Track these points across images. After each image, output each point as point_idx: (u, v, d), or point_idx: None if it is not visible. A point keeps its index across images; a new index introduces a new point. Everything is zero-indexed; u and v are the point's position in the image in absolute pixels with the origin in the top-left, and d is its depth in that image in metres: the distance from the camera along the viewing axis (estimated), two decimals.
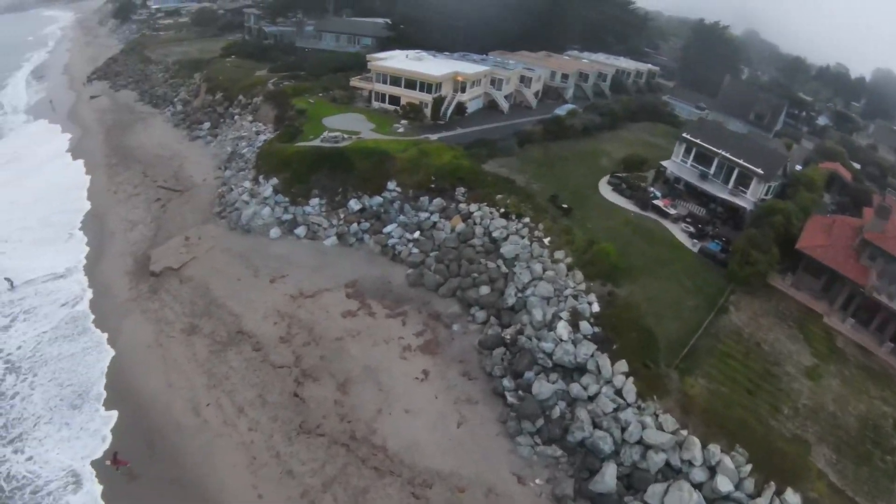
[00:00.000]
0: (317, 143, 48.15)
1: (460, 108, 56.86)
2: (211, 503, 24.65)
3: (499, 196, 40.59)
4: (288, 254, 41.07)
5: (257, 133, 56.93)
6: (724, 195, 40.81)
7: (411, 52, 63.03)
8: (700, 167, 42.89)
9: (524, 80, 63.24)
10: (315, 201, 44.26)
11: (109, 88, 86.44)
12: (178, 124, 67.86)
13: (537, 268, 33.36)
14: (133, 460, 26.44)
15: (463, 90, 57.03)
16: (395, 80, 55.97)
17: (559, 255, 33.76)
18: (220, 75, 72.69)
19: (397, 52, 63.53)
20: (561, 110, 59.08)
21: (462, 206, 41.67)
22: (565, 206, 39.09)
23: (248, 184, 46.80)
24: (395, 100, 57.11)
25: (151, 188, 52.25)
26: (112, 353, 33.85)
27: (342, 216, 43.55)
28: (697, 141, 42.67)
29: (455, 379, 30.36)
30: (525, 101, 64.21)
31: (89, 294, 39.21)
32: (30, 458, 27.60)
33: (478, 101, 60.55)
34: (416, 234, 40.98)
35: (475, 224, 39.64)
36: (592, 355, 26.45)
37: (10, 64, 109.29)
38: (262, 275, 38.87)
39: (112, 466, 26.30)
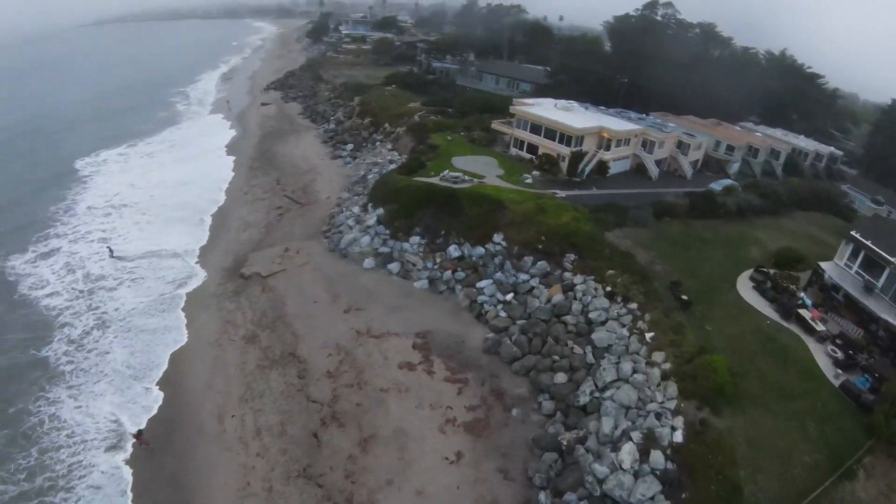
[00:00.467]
0: (435, 180, 50.69)
1: (602, 167, 55.09)
2: None
3: (610, 272, 37.52)
4: (374, 287, 43.25)
5: (390, 162, 62.19)
6: (892, 318, 31.90)
7: (561, 102, 63.71)
8: (866, 276, 34.38)
9: (681, 146, 59.12)
10: (415, 239, 46.21)
11: (280, 99, 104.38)
12: (326, 141, 78.22)
13: (626, 367, 29.49)
14: (153, 444, 29.84)
15: (608, 148, 55.39)
16: (536, 128, 56.86)
17: (658, 356, 29.41)
18: (376, 101, 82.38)
19: (547, 101, 64.80)
20: (717, 185, 53.71)
21: (567, 274, 39.58)
22: (685, 297, 34.33)
23: (356, 209, 51.09)
24: (533, 148, 57.88)
25: (278, 196, 60.25)
26: (185, 339, 38.87)
27: (438, 260, 44.59)
28: (867, 243, 34.47)
29: (489, 473, 27.82)
30: (679, 170, 59.67)
31: (190, 280, 46.02)
32: (79, 407, 32.98)
33: (624, 163, 58.06)
34: (510, 297, 39.91)
35: (575, 298, 37.14)
36: (653, 498, 21.80)
37: (210, 63, 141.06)
38: (339, 302, 41.41)
39: (137, 442, 30.03)
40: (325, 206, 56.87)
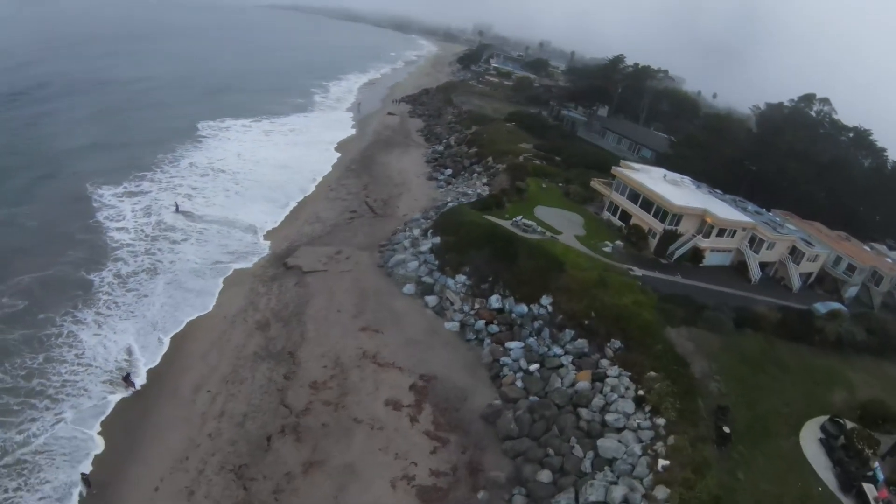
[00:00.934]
0: (505, 223, 48.85)
1: (696, 254, 49.23)
2: (125, 466, 27.06)
3: (652, 373, 32.65)
4: (403, 314, 42.20)
5: (479, 195, 61.60)
6: None
7: (673, 174, 58.68)
8: None
9: (794, 253, 50.88)
10: (461, 278, 44.51)
11: (407, 112, 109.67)
12: (429, 161, 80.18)
13: (618, 493, 24.84)
14: (140, 390, 31.93)
15: (707, 234, 49.44)
16: (633, 195, 52.82)
17: (660, 492, 24.37)
18: (488, 134, 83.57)
19: (658, 170, 60.16)
20: (822, 306, 45.11)
21: (604, 362, 35.29)
22: (727, 429, 28.47)
23: (417, 231, 50.74)
24: (625, 217, 53.88)
25: (358, 200, 62.02)
26: (209, 309, 40.56)
27: (477, 306, 42.41)
28: None
29: None
30: (786, 280, 51.33)
31: (246, 257, 48.32)
32: (98, 335, 35.89)
33: (723, 256, 51.45)
34: (534, 367, 36.48)
35: (600, 392, 32.77)
36: None
37: (360, 66, 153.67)
38: (361, 318, 40.88)
39: (123, 383, 31.90)
40: (397, 222, 57.29)
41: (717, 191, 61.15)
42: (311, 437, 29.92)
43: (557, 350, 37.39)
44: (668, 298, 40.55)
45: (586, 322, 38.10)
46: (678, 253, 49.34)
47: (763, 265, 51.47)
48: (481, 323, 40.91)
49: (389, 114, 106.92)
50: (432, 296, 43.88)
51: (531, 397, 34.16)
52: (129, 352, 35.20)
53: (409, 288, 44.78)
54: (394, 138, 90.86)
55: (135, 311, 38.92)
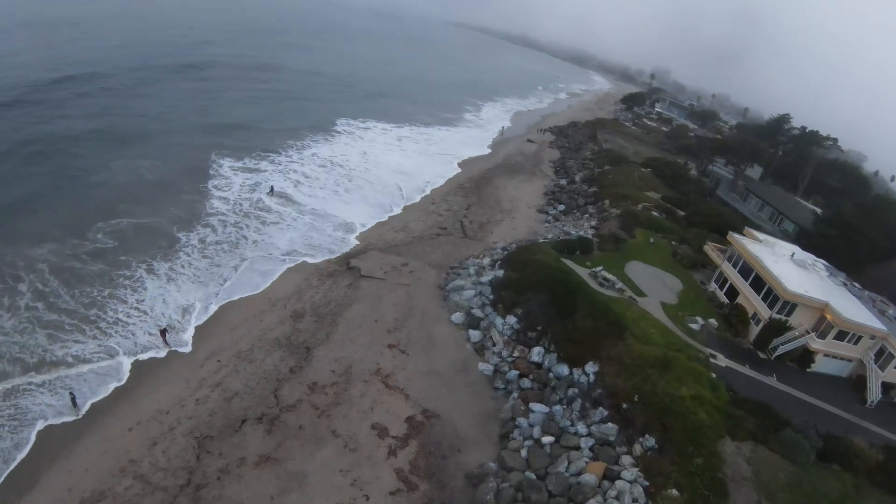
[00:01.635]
0: (582, 270, 45.71)
1: (805, 355, 40.95)
2: (120, 403, 30.74)
3: (672, 492, 27.74)
4: (440, 342, 41.65)
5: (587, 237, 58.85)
6: None
7: (805, 255, 49.66)
8: None
9: None
10: (511, 320, 42.55)
11: (548, 143, 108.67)
12: (546, 193, 78.71)
13: None
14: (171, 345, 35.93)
15: (824, 335, 40.75)
16: (745, 270, 46.04)
17: None
18: (615, 175, 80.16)
19: (788, 245, 51.68)
20: None
21: (626, 459, 30.95)
22: None
23: (487, 261, 49.50)
24: (733, 293, 46.97)
25: (454, 219, 62.62)
26: (259, 290, 43.92)
27: (516, 354, 40.05)
28: None
29: None
30: None
31: (324, 250, 51.55)
32: (162, 288, 41.08)
33: (839, 365, 41.93)
34: (547, 441, 33.28)
35: (603, 493, 28.71)
36: None
37: (522, 93, 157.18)
38: (393, 335, 41.23)
39: (160, 336, 36.04)
40: (481, 248, 56.62)
41: (856, 285, 50.76)
42: (282, 433, 30.81)
43: (581, 428, 33.67)
44: (741, 402, 34.32)
45: (625, 405, 33.76)
46: (782, 349, 41.68)
47: (888, 386, 41.25)
48: (514, 374, 38.55)
49: (529, 140, 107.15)
50: (477, 331, 42.50)
51: (528, 472, 31.07)
52: (183, 311, 39.53)
53: (457, 317, 43.92)
54: (522, 165, 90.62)
55: (202, 277, 43.59)
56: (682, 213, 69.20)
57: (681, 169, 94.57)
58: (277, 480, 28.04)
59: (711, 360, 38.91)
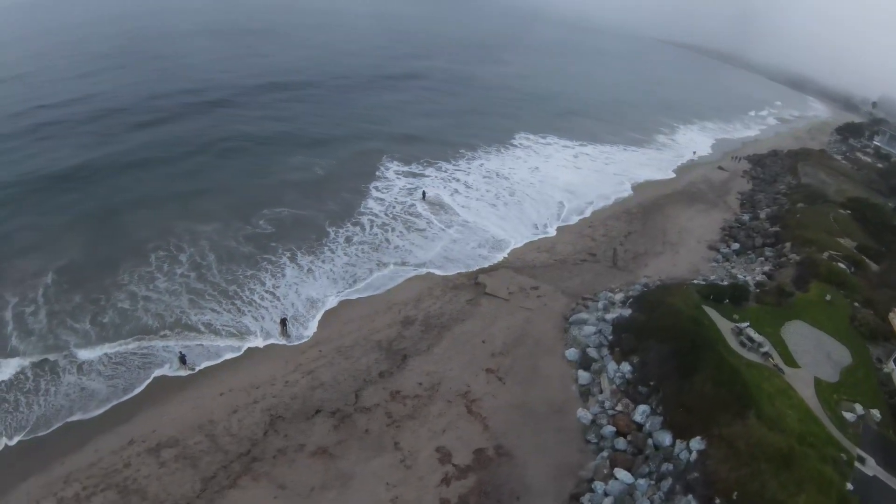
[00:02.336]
0: (726, 327, 39.71)
1: None
2: (223, 370, 36.29)
3: None
4: (544, 377, 39.37)
5: (743, 282, 51.42)
6: None
7: None
8: None
9: None
10: (626, 367, 38.44)
11: (740, 172, 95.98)
12: (724, 228, 69.29)
13: None
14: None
15: None
16: None
17: None
18: (804, 215, 68.49)
19: None
20: None
21: None
22: None
23: (620, 297, 45.69)
24: None
25: (606, 246, 58.69)
26: (379, 293, 47.08)
27: (619, 409, 36.20)
28: None
29: None
30: None
31: (466, 262, 53.11)
32: (299, 277, 46.74)
33: None
34: None
35: None
36: None
37: (726, 116, 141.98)
38: (496, 359, 40.17)
39: (279, 327, 40.61)
40: (625, 281, 52.32)
41: None
42: (347, 432, 32.46)
43: None
44: None
45: (718, 501, 28.47)
46: None
47: None
48: (611, 430, 34.68)
49: (720, 168, 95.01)
50: (587, 372, 39.46)
51: None
52: (311, 304, 43.99)
53: (572, 353, 41.41)
54: (704, 194, 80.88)
55: (336, 274, 47.86)
56: (875, 267, 56.06)
57: (886, 214, 76.50)
58: (324, 474, 29.54)
59: (856, 464, 30.51)
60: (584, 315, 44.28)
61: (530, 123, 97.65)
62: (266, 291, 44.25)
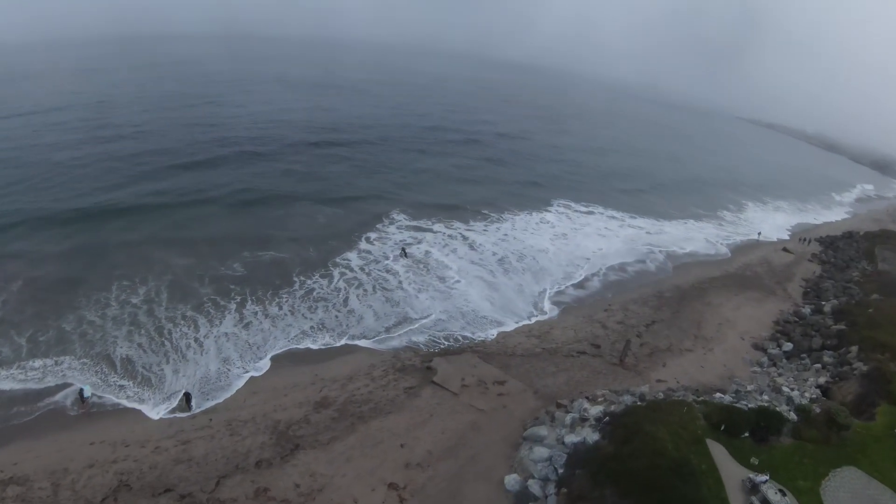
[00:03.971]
0: (735, 476, 24.55)
1: None
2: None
3: None
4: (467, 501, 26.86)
5: (788, 404, 34.57)
6: None
7: None
8: None
9: None
10: None
11: (808, 255, 75.59)
12: (778, 322, 51.66)
13: None
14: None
15: None
16: None
17: None
18: (879, 311, 49.02)
19: None
20: None
21: None
22: None
23: (595, 410, 31.11)
24: None
25: (617, 337, 43.92)
26: (325, 362, 36.81)
27: None
28: None
29: None
30: None
31: (429, 334, 42.09)
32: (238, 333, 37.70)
33: None
34: None
35: None
36: None
37: (803, 196, 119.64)
38: (406, 474, 27.97)
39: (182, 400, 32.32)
40: (625, 385, 37.56)
41: None
42: None
43: None
44: None
45: None
46: None
47: None
48: None
49: (784, 249, 75.01)
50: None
51: None
52: (224, 365, 35.48)
53: (512, 481, 27.63)
54: (760, 279, 62.29)
55: (273, 331, 38.95)
56: None
57: None
58: None
59: None
60: (542, 431, 30.58)
61: (575, 193, 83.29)
62: (194, 339, 36.27)
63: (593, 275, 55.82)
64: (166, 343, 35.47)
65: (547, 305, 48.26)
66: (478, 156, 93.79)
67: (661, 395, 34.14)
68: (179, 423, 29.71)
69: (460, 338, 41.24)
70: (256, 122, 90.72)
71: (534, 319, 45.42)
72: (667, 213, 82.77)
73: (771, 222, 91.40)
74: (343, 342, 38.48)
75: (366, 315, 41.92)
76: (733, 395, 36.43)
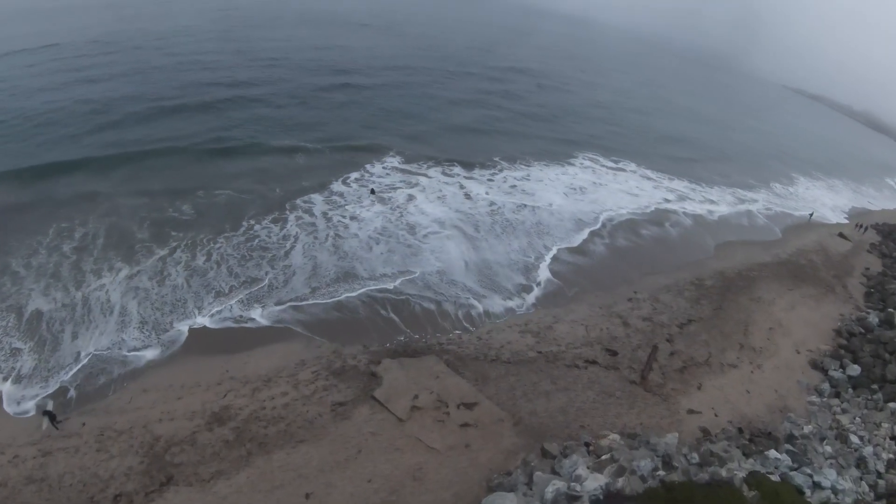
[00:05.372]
0: None
1: None
2: None
3: None
4: None
5: (860, 463, 22.79)
6: None
7: None
8: None
9: None
10: None
11: (867, 244, 58.00)
12: (839, 332, 36.90)
13: None
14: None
15: None
16: None
17: None
18: None
19: None
20: None
21: None
22: None
23: (597, 481, 18.52)
24: None
25: (642, 339, 30.80)
26: (243, 352, 25.08)
27: None
28: None
29: None
30: None
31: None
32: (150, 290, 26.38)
33: None
34: None
35: None
36: None
37: (856, 178, 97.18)
38: None
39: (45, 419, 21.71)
40: (658, 417, 24.83)
41: None
42: None
43: None
44: None
45: None
46: None
47: None
48: None
49: (840, 235, 57.75)
50: None
51: None
52: (120, 351, 24.65)
53: None
54: (814, 271, 46.39)
55: (190, 300, 27.70)
56: None
57: None
58: None
59: None
60: (514, 478, 18.58)
61: (607, 147, 66.28)
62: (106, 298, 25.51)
63: (613, 243, 41.63)
64: (77, 309, 24.99)
65: (543, 276, 34.94)
66: (509, 107, 75.31)
67: (695, 458, 21.16)
68: (44, 433, 19.29)
69: (419, 312, 28.84)
70: (263, 62, 70.44)
71: (528, 306, 32.14)
72: (710, 178, 65.66)
73: (824, 201, 73.32)
74: (264, 315, 26.62)
75: (300, 272, 29.93)
76: (787, 453, 23.29)
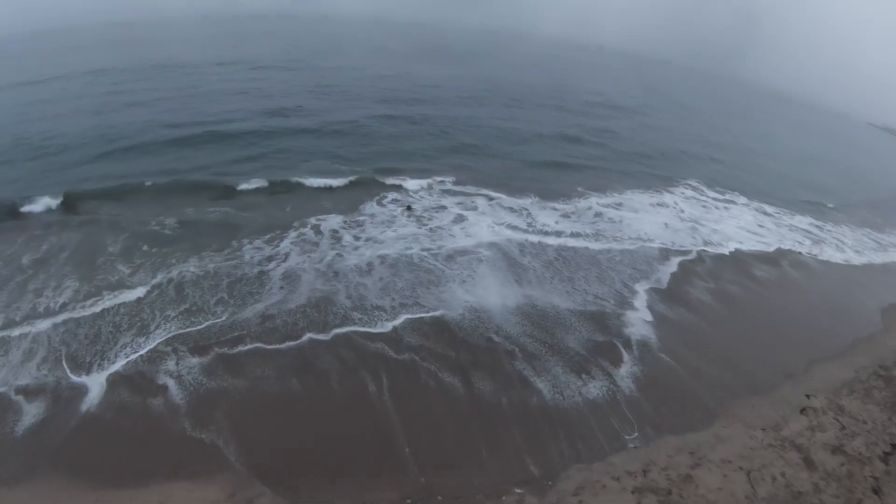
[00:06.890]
0: None
1: None
2: None
3: None
4: None
5: None
6: None
7: None
8: None
9: None
10: None
11: None
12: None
13: None
14: None
15: None
16: None
17: None
18: None
19: None
20: None
21: None
22: None
23: None
24: None
25: (823, 473, 15.99)
26: None
27: None
28: None
29: None
30: None
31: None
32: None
33: None
34: None
35: None
36: None
37: None
38: None
39: None
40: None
41: None
42: None
43: None
44: None
45: None
46: None
47: None
48: None
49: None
50: None
51: None
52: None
53: None
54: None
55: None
56: None
57: None
58: None
59: None
60: None
61: (709, 176, 48.63)
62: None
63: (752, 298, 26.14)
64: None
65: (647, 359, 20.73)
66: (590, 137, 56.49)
67: None
68: None
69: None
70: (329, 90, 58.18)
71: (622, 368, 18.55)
72: (834, 216, 47.25)
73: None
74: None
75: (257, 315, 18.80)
76: None
